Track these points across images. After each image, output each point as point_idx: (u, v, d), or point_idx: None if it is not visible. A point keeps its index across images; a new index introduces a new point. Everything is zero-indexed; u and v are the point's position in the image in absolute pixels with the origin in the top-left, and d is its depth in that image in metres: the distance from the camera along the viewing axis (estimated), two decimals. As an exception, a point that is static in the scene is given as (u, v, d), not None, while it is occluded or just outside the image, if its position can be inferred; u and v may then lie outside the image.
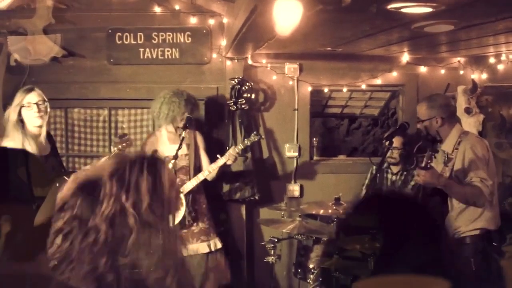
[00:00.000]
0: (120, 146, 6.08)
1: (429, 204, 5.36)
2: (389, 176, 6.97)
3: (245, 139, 6.62)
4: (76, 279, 2.17)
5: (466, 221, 5.41)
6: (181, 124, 6.42)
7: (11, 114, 5.48)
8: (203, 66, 7.37)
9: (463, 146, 5.37)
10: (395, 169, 6.96)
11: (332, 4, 3.61)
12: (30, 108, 5.46)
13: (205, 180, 6.52)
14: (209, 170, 6.47)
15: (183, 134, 6.24)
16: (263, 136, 7.03)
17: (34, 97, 5.51)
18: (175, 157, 6.12)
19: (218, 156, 6.49)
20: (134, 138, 7.35)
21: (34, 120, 5.50)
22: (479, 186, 5.15)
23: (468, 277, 4.44)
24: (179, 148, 6.17)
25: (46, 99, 5.60)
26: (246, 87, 7.13)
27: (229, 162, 6.48)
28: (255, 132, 6.66)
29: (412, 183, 6.54)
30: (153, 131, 7.15)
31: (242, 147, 6.53)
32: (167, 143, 6.55)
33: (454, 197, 5.34)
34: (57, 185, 5.38)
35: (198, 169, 6.58)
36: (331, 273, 6.02)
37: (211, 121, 7.28)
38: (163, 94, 6.56)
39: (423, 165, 5.07)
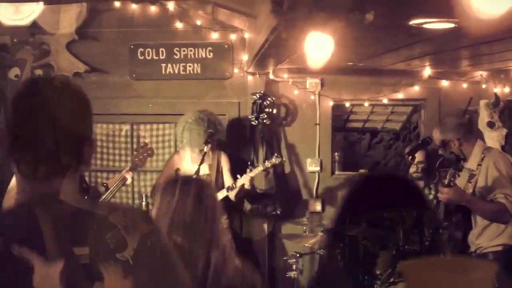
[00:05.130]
0: (140, 157, 6.11)
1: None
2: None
3: (266, 161, 6.60)
4: None
5: (489, 237, 5.37)
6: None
7: None
8: (225, 81, 7.39)
9: (486, 162, 5.34)
10: (420, 184, 6.82)
11: (355, 21, 3.62)
12: None
13: (228, 199, 6.52)
14: (230, 187, 6.47)
15: (205, 149, 6.25)
16: (285, 159, 6.99)
17: None
18: (197, 173, 6.10)
19: (238, 176, 6.49)
20: (156, 153, 7.39)
21: None
22: (503, 202, 5.11)
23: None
24: (201, 163, 6.16)
25: None
26: (268, 102, 7.13)
27: (246, 186, 6.46)
28: (276, 155, 6.61)
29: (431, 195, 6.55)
30: (175, 147, 7.18)
31: (262, 168, 6.53)
32: (189, 163, 6.56)
33: (478, 213, 5.30)
34: None
35: (219, 189, 6.56)
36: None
37: (233, 137, 7.28)
38: (186, 119, 6.57)
39: (446, 182, 5.04)
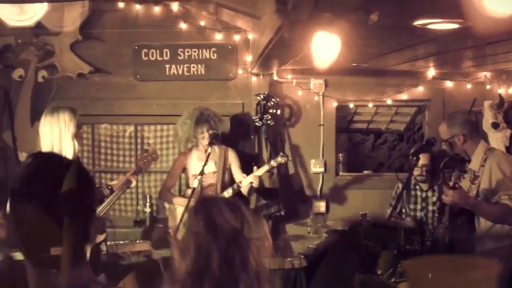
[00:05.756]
0: (145, 160, 6.12)
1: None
2: (419, 193, 6.75)
3: (272, 160, 6.55)
4: None
5: (494, 238, 5.32)
6: (205, 142, 6.43)
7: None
8: (229, 82, 7.39)
9: (489, 163, 5.26)
10: (424, 186, 6.74)
11: (359, 21, 3.61)
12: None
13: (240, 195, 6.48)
14: (234, 187, 6.46)
15: (209, 150, 6.25)
16: (290, 158, 6.97)
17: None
18: (201, 173, 6.09)
19: (244, 175, 6.48)
20: (160, 154, 7.38)
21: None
22: (508, 203, 5.05)
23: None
24: (205, 164, 6.15)
25: None
26: (272, 103, 7.13)
27: (255, 185, 6.44)
28: (281, 154, 6.56)
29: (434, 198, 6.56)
30: (179, 148, 7.19)
31: (268, 168, 6.50)
32: (196, 161, 6.56)
33: (483, 216, 5.22)
34: None
35: (226, 186, 6.56)
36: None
37: (237, 137, 7.28)
38: (184, 114, 6.62)
39: (451, 185, 4.95)
